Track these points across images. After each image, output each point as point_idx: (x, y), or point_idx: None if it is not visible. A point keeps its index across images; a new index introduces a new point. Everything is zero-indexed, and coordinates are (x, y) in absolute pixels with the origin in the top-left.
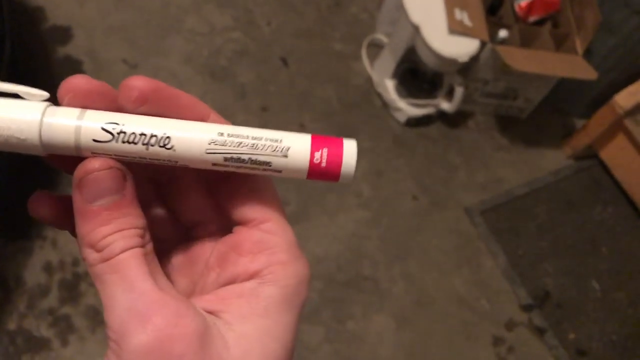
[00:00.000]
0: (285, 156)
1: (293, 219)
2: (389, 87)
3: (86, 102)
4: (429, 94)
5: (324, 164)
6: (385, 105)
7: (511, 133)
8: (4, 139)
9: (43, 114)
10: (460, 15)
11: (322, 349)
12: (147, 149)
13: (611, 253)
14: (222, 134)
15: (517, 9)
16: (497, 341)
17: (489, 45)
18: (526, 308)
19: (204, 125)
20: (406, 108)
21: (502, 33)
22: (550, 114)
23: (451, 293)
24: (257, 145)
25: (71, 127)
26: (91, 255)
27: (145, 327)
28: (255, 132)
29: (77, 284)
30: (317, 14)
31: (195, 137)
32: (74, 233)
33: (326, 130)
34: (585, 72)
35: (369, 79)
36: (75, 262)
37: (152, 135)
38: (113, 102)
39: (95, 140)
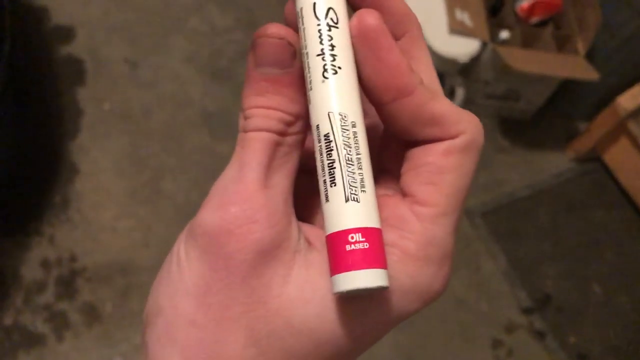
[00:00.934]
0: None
1: None
2: None
3: None
4: None
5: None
6: None
7: (513, 135)
8: None
9: None
10: (461, 15)
11: None
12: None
13: (614, 257)
14: None
15: (518, 10)
16: (496, 344)
17: (490, 46)
18: (526, 311)
19: None
20: None
21: (504, 34)
22: (552, 117)
23: (450, 295)
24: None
25: None
26: (240, 120)
27: (215, 211)
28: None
29: (74, 280)
30: None
31: None
32: None
33: None
34: (586, 72)
35: None
36: (72, 258)
37: None
38: None
39: None
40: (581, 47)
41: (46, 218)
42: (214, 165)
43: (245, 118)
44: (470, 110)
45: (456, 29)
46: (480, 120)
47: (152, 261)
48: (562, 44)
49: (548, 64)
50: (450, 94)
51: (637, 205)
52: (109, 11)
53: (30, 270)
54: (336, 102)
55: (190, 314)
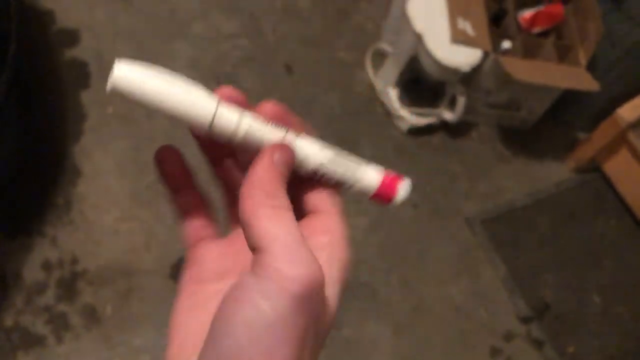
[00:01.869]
0: (359, 180)
1: None
2: (391, 95)
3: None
4: (432, 103)
5: (384, 191)
6: (388, 113)
7: (514, 144)
8: (190, 111)
9: (219, 108)
10: (463, 25)
11: None
12: (285, 133)
13: (613, 267)
14: (327, 144)
15: (520, 20)
16: (494, 352)
17: (492, 56)
18: (525, 319)
19: (321, 150)
20: (408, 117)
21: (506, 44)
22: (553, 126)
23: (449, 302)
24: (347, 169)
25: (234, 120)
26: (259, 196)
27: (304, 268)
28: (348, 158)
29: (75, 282)
30: (322, 22)
31: (312, 140)
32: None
33: (328, 137)
34: (587, 83)
35: (372, 87)
36: (74, 261)
37: (287, 130)
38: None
39: (251, 125)
40: (582, 57)
41: (48, 220)
42: None
43: (272, 197)
44: (472, 119)
45: (458, 38)
46: (481, 129)
47: (153, 264)
48: (564, 55)
49: (549, 74)
50: (451, 103)
51: (636, 216)
52: (114, 15)
53: (31, 271)
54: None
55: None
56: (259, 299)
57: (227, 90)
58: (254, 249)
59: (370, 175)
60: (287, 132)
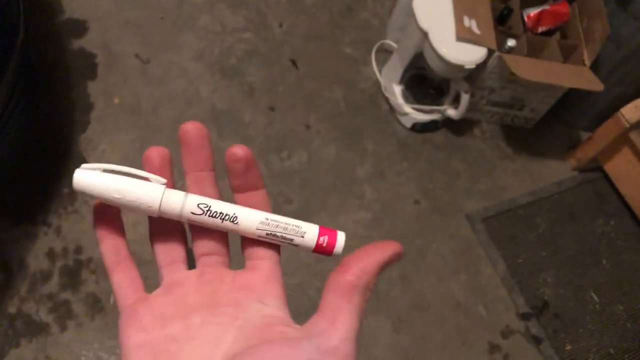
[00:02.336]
0: (302, 237)
1: (293, 217)
2: (396, 91)
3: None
4: (435, 100)
5: (324, 244)
6: (392, 109)
7: (516, 142)
8: (136, 206)
9: (163, 194)
10: (469, 22)
11: None
12: (222, 221)
13: (612, 266)
14: (267, 219)
15: (526, 18)
16: (492, 348)
17: (496, 54)
18: (523, 317)
19: (257, 212)
20: (412, 113)
21: (510, 42)
22: (556, 125)
23: (448, 298)
24: (286, 228)
25: (179, 205)
26: (360, 285)
27: (340, 342)
28: (285, 220)
29: (79, 271)
30: (328, 18)
31: (251, 217)
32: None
33: (332, 131)
34: (591, 83)
35: (376, 83)
36: (78, 250)
37: (226, 214)
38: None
39: (192, 213)
40: (587, 57)
41: (54, 209)
42: (220, 162)
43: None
44: (475, 116)
45: (464, 36)
46: (484, 127)
47: None
48: (568, 54)
49: (553, 73)
50: (455, 100)
51: (637, 216)
52: (122, 7)
53: (35, 259)
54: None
55: None
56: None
57: (155, 150)
58: (326, 318)
59: (309, 234)
60: (222, 220)
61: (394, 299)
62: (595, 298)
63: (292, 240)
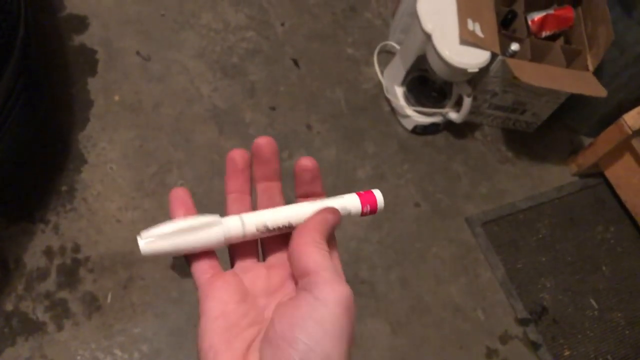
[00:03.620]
0: (349, 211)
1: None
2: (398, 93)
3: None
4: (437, 102)
5: (367, 210)
6: (393, 111)
7: (517, 147)
8: (207, 245)
9: (224, 229)
10: (473, 26)
11: None
12: (280, 231)
13: (611, 272)
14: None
15: (530, 23)
16: (490, 353)
17: (500, 58)
18: (522, 322)
19: (310, 205)
20: (414, 115)
21: (514, 46)
22: (557, 130)
23: (447, 301)
24: (342, 205)
25: (240, 230)
26: (312, 237)
27: (347, 286)
28: (338, 199)
29: (77, 270)
30: (331, 18)
31: (303, 215)
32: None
33: (333, 132)
34: (595, 89)
35: (378, 85)
36: (76, 248)
37: (282, 226)
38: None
39: (257, 230)
40: (590, 63)
41: (52, 206)
42: (220, 161)
43: (320, 242)
44: (476, 120)
45: (467, 39)
46: (486, 130)
47: None
48: (572, 59)
49: (557, 78)
50: (457, 103)
51: (637, 222)
52: (123, 3)
53: (33, 257)
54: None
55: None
56: (319, 306)
57: (238, 153)
58: (302, 274)
59: (352, 202)
60: (280, 230)
61: (392, 301)
62: (594, 304)
63: (347, 209)
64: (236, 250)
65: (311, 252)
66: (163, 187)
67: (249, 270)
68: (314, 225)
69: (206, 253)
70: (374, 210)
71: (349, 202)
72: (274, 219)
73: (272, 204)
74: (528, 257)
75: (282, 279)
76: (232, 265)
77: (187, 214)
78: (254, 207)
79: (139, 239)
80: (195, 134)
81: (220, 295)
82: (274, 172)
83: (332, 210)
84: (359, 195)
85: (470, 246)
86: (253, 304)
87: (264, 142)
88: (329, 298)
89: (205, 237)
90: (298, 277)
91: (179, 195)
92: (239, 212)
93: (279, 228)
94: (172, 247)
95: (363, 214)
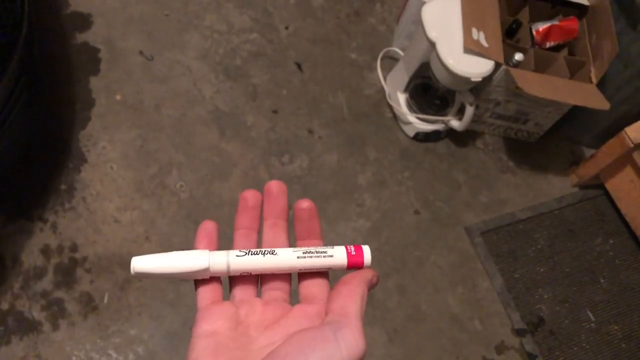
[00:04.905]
0: (332, 257)
1: (291, 221)
2: (400, 100)
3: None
4: (440, 110)
5: (354, 262)
6: (395, 117)
7: (518, 156)
8: (192, 274)
9: (209, 261)
10: (477, 35)
11: None
12: (264, 256)
13: (609, 285)
14: (305, 251)
15: (534, 33)
16: None
17: (503, 67)
18: (519, 332)
19: (292, 249)
20: (415, 122)
21: (517, 56)
22: (559, 141)
23: (444, 310)
24: (322, 254)
25: (224, 263)
26: (357, 287)
27: (365, 344)
28: (320, 248)
29: (74, 269)
30: (335, 22)
31: (289, 251)
32: None
33: (334, 137)
34: (598, 102)
35: (381, 90)
36: (73, 248)
37: (266, 251)
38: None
39: (237, 256)
40: (594, 75)
41: (50, 205)
42: (221, 164)
43: (362, 297)
44: (478, 128)
45: (471, 48)
46: (487, 139)
47: None
48: (575, 70)
49: (560, 90)
50: (459, 111)
51: (636, 235)
52: (127, 2)
53: (30, 256)
54: None
55: None
56: (334, 346)
57: (251, 193)
58: (337, 312)
59: (338, 255)
60: (264, 255)
61: (390, 309)
62: (591, 316)
63: (329, 267)
64: (236, 283)
65: (356, 300)
66: (163, 188)
67: (246, 303)
68: (366, 280)
69: (212, 281)
70: (359, 264)
71: (337, 261)
72: (253, 264)
73: (275, 241)
74: (526, 268)
75: (275, 317)
76: (231, 297)
77: (210, 247)
78: (259, 244)
79: (132, 259)
80: (197, 135)
81: (215, 320)
82: (281, 210)
83: (377, 275)
84: (348, 254)
85: (469, 255)
86: (245, 332)
87: (274, 185)
88: (347, 344)
89: (189, 266)
90: (330, 312)
91: (207, 228)
92: (244, 247)
93: (262, 252)
94: (159, 269)
95: (349, 267)
